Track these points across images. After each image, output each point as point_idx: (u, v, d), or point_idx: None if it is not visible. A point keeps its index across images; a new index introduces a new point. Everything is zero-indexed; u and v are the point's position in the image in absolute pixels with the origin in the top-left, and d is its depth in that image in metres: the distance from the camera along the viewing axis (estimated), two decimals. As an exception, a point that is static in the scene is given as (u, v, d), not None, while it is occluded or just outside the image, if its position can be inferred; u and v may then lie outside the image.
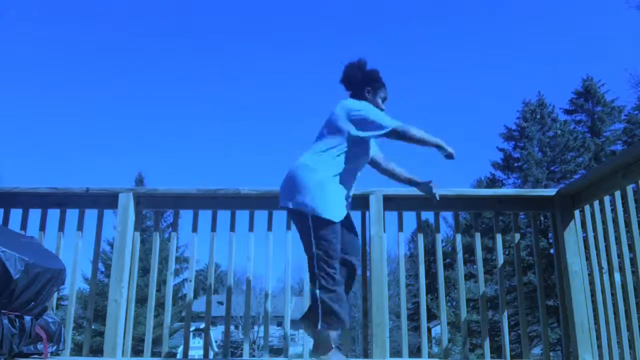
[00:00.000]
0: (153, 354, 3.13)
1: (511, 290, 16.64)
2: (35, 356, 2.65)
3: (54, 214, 3.21)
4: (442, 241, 9.00)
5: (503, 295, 3.15)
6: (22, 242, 2.69)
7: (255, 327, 30.84)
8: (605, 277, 2.80)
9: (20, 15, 50.85)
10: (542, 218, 17.02)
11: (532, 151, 25.91)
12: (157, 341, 3.87)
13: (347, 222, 2.71)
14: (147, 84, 61.79)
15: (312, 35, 64.43)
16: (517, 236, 3.24)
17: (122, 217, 3.14)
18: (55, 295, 3.01)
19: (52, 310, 2.98)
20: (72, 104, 56.67)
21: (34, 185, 3.21)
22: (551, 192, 3.21)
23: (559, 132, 26.08)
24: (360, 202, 3.08)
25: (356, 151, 2.66)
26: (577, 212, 3.10)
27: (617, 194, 2.65)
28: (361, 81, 2.79)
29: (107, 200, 3.20)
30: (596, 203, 2.90)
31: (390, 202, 3.16)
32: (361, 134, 2.61)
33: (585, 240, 3.02)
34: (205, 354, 3.41)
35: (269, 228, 3.20)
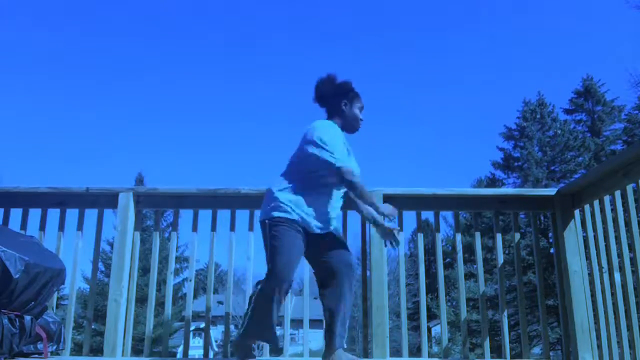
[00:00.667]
0: (153, 354, 3.13)
1: (511, 290, 16.63)
2: (35, 356, 2.65)
3: (54, 213, 3.21)
4: (442, 241, 9.02)
5: (503, 295, 3.15)
6: (22, 242, 2.68)
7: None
8: (605, 276, 2.79)
9: (21, 15, 50.86)
10: (542, 218, 17.04)
11: (532, 151, 25.91)
12: (157, 341, 3.87)
13: (331, 241, 2.60)
14: (147, 84, 61.90)
15: (312, 35, 64.46)
16: (517, 236, 3.24)
17: (122, 216, 3.14)
18: (55, 294, 3.01)
19: (52, 309, 2.98)
20: (72, 104, 56.74)
21: (34, 185, 3.21)
22: (551, 191, 3.21)
23: (559, 131, 26.08)
24: (360, 202, 3.07)
25: (323, 173, 2.53)
26: (577, 212, 3.10)
27: (617, 193, 2.65)
28: (335, 95, 2.69)
29: (107, 200, 3.20)
30: (596, 203, 2.90)
31: (391, 202, 3.15)
32: (310, 166, 2.53)
33: (585, 239, 3.02)
34: (205, 354, 3.41)
35: (269, 228, 3.18)
